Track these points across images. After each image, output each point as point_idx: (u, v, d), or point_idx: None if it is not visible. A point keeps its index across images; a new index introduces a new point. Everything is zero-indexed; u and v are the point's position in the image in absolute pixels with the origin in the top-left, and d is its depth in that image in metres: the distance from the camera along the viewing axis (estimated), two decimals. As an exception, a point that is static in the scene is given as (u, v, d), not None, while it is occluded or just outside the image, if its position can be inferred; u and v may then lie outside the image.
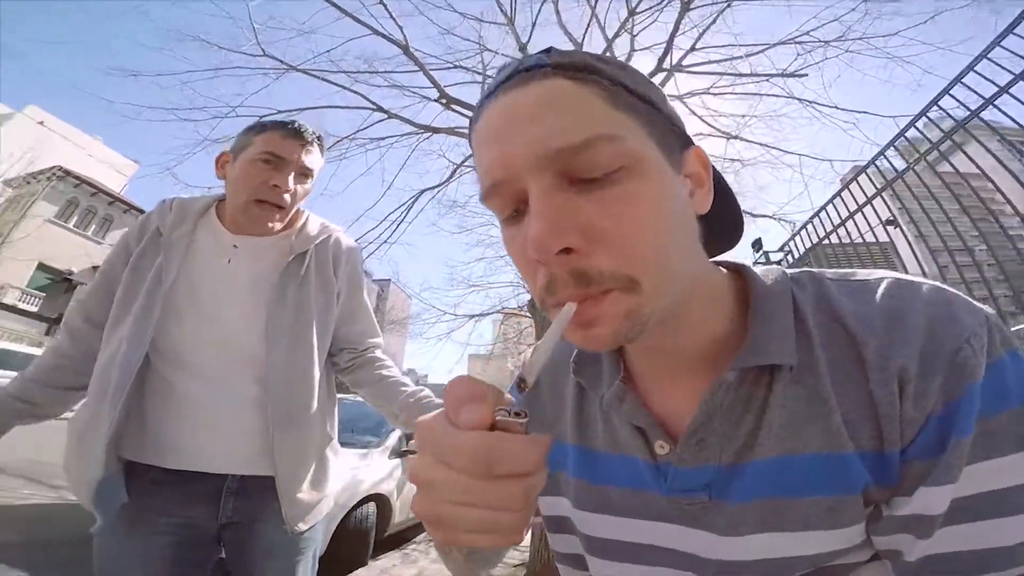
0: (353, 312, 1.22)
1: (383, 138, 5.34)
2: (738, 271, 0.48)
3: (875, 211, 3.21)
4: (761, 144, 4.32)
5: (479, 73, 5.11)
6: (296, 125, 1.12)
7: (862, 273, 0.44)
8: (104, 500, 0.95)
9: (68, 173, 20.55)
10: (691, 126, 5.15)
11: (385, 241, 5.71)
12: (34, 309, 19.28)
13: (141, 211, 23.30)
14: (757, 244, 3.94)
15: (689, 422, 0.42)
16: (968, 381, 0.34)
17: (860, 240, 3.35)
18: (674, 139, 0.42)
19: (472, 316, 9.31)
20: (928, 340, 0.36)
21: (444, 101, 4.62)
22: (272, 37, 8.28)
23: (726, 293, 0.45)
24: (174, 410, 1.00)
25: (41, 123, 30.54)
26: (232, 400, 1.03)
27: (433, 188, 5.85)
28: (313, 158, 1.14)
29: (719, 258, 0.51)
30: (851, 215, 3.29)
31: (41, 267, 19.68)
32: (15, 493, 4.19)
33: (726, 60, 4.21)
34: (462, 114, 4.83)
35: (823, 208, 3.63)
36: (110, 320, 1.04)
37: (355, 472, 3.42)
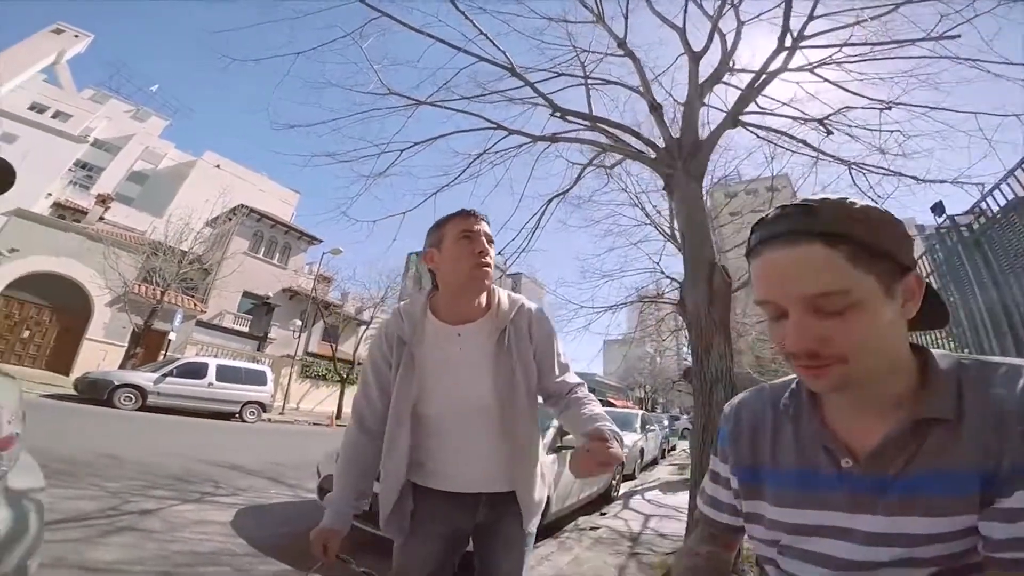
0: (551, 365, 1.49)
1: (505, 150, 5.54)
2: (921, 351, 0.70)
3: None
4: (928, 107, 3.64)
5: (581, 77, 5.06)
6: (470, 209, 1.45)
7: (1011, 362, 0.65)
8: (398, 513, 1.41)
9: (252, 210, 24.40)
10: (836, 98, 4.52)
11: (523, 250, 6.00)
12: (245, 329, 23.49)
13: (312, 238, 26.98)
14: (938, 208, 3.41)
15: (873, 447, 0.68)
16: None
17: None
18: (895, 274, 0.62)
19: (608, 307, 9.27)
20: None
21: (558, 115, 4.65)
22: (394, 77, 9.03)
23: (911, 367, 0.68)
24: (444, 453, 1.42)
25: (217, 166, 36.55)
26: (478, 442, 1.41)
27: (561, 194, 5.96)
28: (488, 227, 1.46)
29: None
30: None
31: (245, 294, 23.82)
32: (266, 493, 5.29)
33: (854, 24, 3.61)
34: (575, 122, 4.84)
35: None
36: (393, 404, 1.42)
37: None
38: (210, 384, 13.02)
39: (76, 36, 33.29)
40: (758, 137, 4.70)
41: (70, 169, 26.74)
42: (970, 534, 0.62)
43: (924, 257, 4.17)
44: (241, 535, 3.59)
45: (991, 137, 3.45)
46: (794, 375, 0.78)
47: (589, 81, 5.28)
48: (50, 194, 22.50)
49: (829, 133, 4.16)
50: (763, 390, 0.89)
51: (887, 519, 0.67)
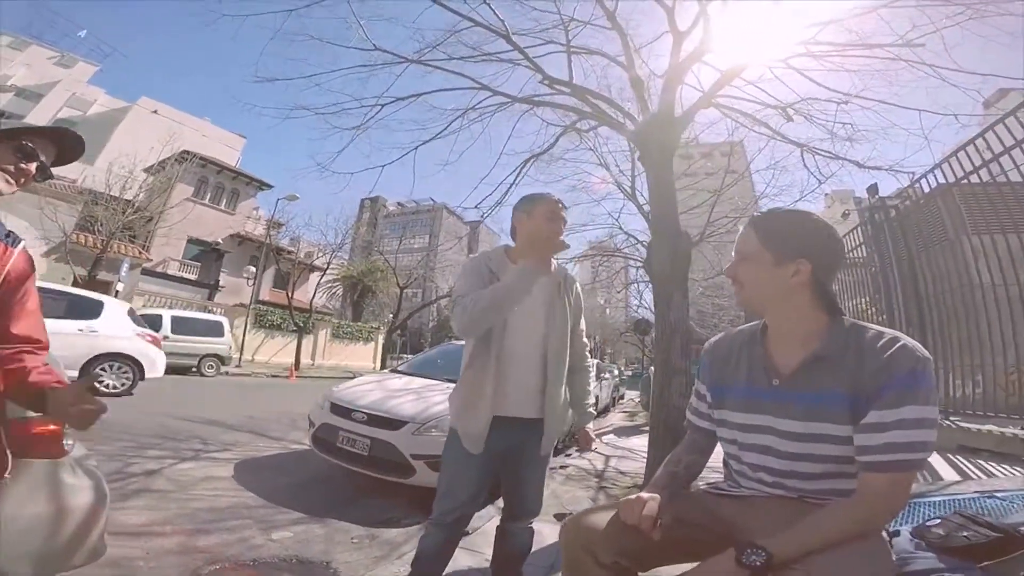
0: (578, 324, 1.95)
1: (486, 107, 5.61)
2: (836, 314, 1.05)
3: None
4: (880, 101, 4.05)
5: (563, 45, 5.17)
6: (558, 198, 1.84)
7: (887, 331, 0.98)
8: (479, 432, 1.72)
9: (193, 155, 22.79)
10: (798, 82, 4.85)
11: (499, 204, 6.27)
12: (194, 277, 22.56)
13: (262, 183, 25.87)
14: (872, 189, 3.89)
15: (791, 371, 1.04)
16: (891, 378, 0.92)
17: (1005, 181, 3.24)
18: (787, 254, 1.02)
19: (570, 259, 9.66)
20: (888, 362, 0.93)
21: (547, 82, 4.77)
22: (380, 33, 8.71)
23: (818, 318, 1.04)
24: (502, 377, 1.73)
25: (155, 112, 33.90)
26: (529, 371, 1.78)
27: (539, 154, 6.15)
28: (566, 215, 1.85)
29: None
30: (1003, 152, 3.15)
31: (191, 241, 22.72)
32: (254, 446, 5.42)
33: (829, 23, 3.91)
34: (562, 91, 4.98)
35: (964, 147, 3.48)
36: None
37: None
38: (165, 337, 12.53)
39: (-17, -19, 29.25)
40: (726, 116, 5.04)
41: (-13, 117, 23.97)
42: (850, 443, 0.96)
43: (858, 229, 4.65)
44: (249, 489, 3.76)
45: (928, 134, 3.93)
46: (758, 321, 1.17)
47: (572, 49, 5.38)
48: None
49: (789, 119, 4.54)
50: (733, 332, 1.26)
51: (799, 422, 1.01)
